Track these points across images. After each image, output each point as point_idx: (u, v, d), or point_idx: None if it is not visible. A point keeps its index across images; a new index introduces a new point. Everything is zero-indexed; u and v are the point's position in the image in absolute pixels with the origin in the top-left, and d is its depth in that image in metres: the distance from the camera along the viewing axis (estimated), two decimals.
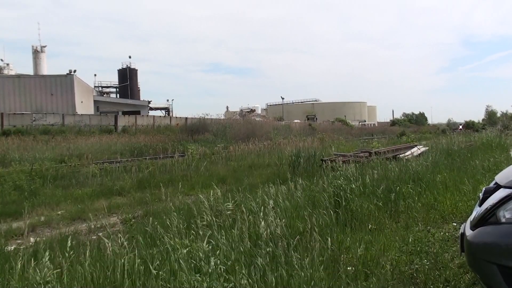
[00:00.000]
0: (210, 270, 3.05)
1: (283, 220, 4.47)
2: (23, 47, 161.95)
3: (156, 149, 20.41)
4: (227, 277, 3.05)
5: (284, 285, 3.07)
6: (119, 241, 3.67)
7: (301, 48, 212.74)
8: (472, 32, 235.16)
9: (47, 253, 3.21)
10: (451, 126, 61.32)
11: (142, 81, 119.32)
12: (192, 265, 3.24)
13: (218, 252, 3.45)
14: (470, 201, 6.00)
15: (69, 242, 3.62)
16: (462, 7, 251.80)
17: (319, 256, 3.56)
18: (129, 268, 3.16)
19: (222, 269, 3.15)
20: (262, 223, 4.08)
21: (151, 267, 3.18)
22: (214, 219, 4.49)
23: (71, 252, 3.45)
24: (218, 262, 3.24)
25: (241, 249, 3.66)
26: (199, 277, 3.00)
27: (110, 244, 3.60)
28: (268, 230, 3.98)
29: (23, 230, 7.52)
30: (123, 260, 3.21)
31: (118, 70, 62.44)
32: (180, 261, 3.21)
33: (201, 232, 4.05)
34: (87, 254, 3.44)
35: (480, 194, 3.18)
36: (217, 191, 5.82)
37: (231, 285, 2.99)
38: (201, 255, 3.29)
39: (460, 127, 54.72)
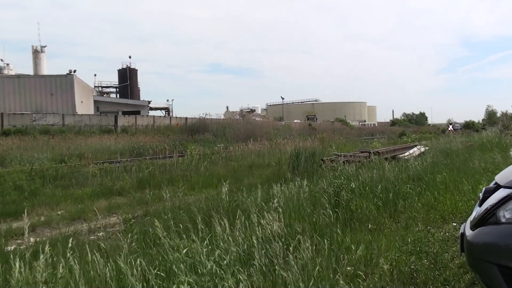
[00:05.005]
0: (206, 271, 3.05)
1: (282, 221, 4.47)
2: (23, 47, 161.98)
3: (156, 149, 20.42)
4: (224, 277, 3.04)
5: (281, 285, 3.06)
6: (119, 242, 3.68)
7: (301, 48, 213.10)
8: (471, 33, 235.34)
9: (46, 254, 3.21)
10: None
11: (142, 81, 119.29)
12: (191, 266, 3.24)
13: (217, 252, 3.45)
14: (470, 201, 6.00)
15: (70, 243, 3.62)
16: (460, 8, 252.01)
17: (319, 256, 3.56)
18: (128, 268, 3.16)
19: (219, 270, 3.15)
20: (262, 222, 4.08)
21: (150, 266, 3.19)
22: (214, 218, 4.49)
23: (71, 252, 3.44)
24: (216, 261, 3.24)
25: (240, 248, 3.66)
26: (197, 277, 3.00)
27: (108, 245, 3.60)
28: (268, 230, 3.98)
29: (23, 230, 7.53)
30: (122, 260, 3.20)
31: (118, 70, 62.50)
32: (178, 261, 3.21)
33: (200, 233, 4.05)
34: (87, 254, 3.43)
35: (480, 194, 3.18)
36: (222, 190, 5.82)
37: (229, 283, 2.99)
38: (200, 256, 3.28)
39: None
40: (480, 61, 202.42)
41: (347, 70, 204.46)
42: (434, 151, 13.64)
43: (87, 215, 8.38)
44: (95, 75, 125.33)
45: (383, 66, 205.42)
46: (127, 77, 60.59)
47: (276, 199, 5.28)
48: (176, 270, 3.12)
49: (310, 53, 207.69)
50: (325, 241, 3.85)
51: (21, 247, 5.10)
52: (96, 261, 3.26)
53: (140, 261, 3.19)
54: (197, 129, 32.45)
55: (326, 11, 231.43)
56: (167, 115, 57.55)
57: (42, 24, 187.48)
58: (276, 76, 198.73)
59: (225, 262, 3.25)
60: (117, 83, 62.39)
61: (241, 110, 70.76)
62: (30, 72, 52.80)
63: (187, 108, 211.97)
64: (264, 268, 3.26)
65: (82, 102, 42.63)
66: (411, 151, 15.52)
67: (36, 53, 55.04)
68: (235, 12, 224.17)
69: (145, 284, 3.03)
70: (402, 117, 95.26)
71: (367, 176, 7.50)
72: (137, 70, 63.20)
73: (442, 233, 4.84)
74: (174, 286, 2.96)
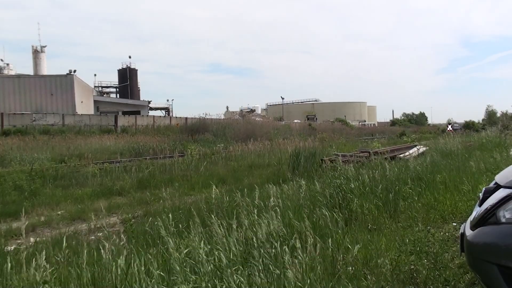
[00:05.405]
0: (205, 271, 3.05)
1: (281, 220, 4.46)
2: (23, 47, 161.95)
3: (156, 149, 20.42)
4: (222, 277, 3.05)
5: (281, 285, 3.06)
6: (118, 242, 3.67)
7: (301, 48, 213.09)
8: (471, 33, 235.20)
9: (45, 253, 3.21)
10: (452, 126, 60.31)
11: (142, 81, 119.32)
12: (191, 266, 3.24)
13: (216, 253, 3.44)
14: (470, 201, 6.00)
15: (64, 242, 3.61)
16: (460, 8, 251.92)
17: (318, 256, 3.56)
18: (126, 268, 3.16)
19: (217, 270, 3.15)
20: (262, 223, 4.08)
21: (151, 267, 3.19)
22: (213, 219, 4.48)
23: (69, 253, 3.44)
24: (216, 262, 3.24)
25: (239, 249, 3.66)
26: (196, 277, 3.00)
27: (108, 244, 3.59)
28: (266, 230, 3.97)
29: (23, 230, 7.53)
30: (121, 261, 3.20)
31: (118, 70, 62.50)
32: (179, 261, 3.21)
33: (200, 233, 4.05)
34: (85, 254, 3.43)
35: (480, 194, 3.17)
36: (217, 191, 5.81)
37: (228, 284, 2.99)
38: (200, 255, 3.28)
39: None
40: (480, 61, 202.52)
41: (347, 70, 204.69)
42: (434, 151, 13.64)
43: (87, 215, 8.38)
44: (95, 75, 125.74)
45: (383, 66, 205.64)
46: (127, 77, 60.59)
47: (275, 199, 5.28)
48: (177, 269, 3.12)
49: (310, 53, 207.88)
50: (325, 241, 3.84)
51: (21, 247, 5.10)
52: (100, 260, 3.26)
53: (140, 261, 3.18)
54: (197, 129, 32.48)
55: (326, 11, 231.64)
56: (167, 115, 57.57)
57: (42, 24, 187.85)
58: (276, 76, 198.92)
59: (224, 262, 3.25)
60: (117, 83, 62.39)
61: (241, 110, 70.80)
62: (30, 72, 52.84)
63: (187, 108, 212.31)
64: (263, 268, 3.26)
65: (82, 102, 42.63)
66: (411, 151, 15.52)
67: (36, 53, 55.03)
68: (235, 12, 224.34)
69: (145, 284, 3.03)
70: (402, 117, 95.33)
71: (367, 176, 7.50)
72: (137, 70, 63.29)
73: (442, 233, 4.84)
74: (175, 287, 2.95)
